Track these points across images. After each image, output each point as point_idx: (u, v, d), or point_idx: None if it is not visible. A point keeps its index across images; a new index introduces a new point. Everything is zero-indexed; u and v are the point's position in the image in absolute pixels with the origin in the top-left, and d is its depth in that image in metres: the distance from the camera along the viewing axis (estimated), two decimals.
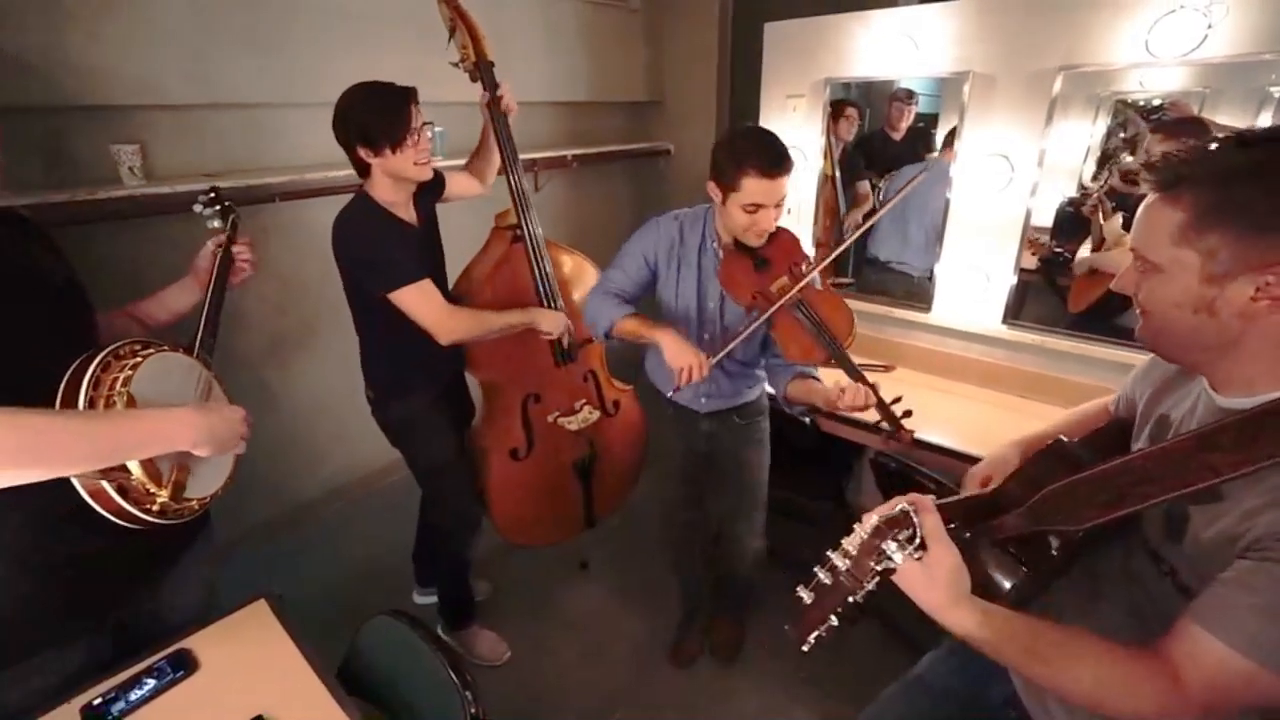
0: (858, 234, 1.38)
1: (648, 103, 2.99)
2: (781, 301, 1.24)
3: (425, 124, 1.41)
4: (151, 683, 0.96)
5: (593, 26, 2.61)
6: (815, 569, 0.74)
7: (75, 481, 0.85)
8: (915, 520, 0.70)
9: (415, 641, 1.03)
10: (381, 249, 1.43)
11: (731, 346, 1.27)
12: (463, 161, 1.79)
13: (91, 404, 0.86)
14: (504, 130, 1.64)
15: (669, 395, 1.52)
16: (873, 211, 2.25)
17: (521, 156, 1.69)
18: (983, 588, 0.74)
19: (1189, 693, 0.61)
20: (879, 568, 0.69)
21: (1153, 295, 0.69)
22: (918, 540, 0.69)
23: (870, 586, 0.69)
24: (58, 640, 0.95)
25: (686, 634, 1.96)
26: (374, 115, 1.34)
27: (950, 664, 1.04)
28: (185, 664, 1.00)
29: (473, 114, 1.70)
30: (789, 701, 1.78)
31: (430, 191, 1.58)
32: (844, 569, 0.70)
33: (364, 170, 1.43)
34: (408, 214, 1.51)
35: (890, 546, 0.68)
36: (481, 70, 1.62)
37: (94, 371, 0.88)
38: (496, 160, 1.72)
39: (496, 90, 1.61)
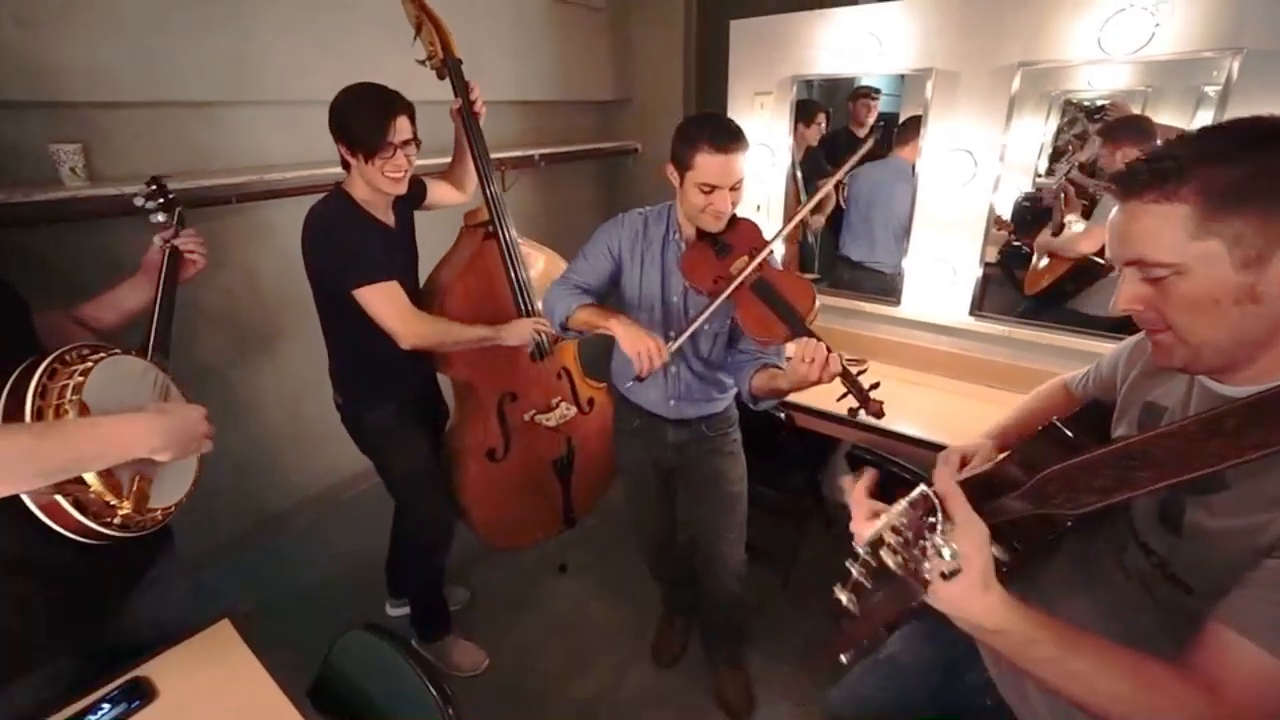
0: (804, 210, 1.37)
1: (615, 101, 2.97)
2: (740, 278, 1.24)
3: (409, 141, 1.38)
4: (103, 712, 0.90)
5: (558, 25, 2.58)
6: (849, 565, 0.65)
7: (25, 498, 0.80)
8: (935, 500, 0.62)
9: (392, 656, 0.99)
10: (352, 244, 1.40)
11: (693, 328, 1.26)
12: (439, 161, 1.74)
13: (39, 414, 0.80)
14: (477, 137, 1.60)
15: (628, 386, 1.47)
16: (834, 198, 2.28)
17: (490, 156, 1.65)
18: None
19: (1230, 704, 0.58)
20: (931, 564, 0.59)
21: (1182, 300, 0.62)
22: (941, 521, 0.61)
23: (927, 593, 0.60)
24: (10, 673, 0.89)
25: (668, 632, 1.95)
26: (357, 119, 1.34)
27: (924, 645, 1.01)
28: (141, 692, 0.94)
29: (440, 112, 1.66)
30: (774, 695, 1.78)
31: (409, 198, 1.54)
32: (895, 565, 0.61)
33: (346, 165, 1.42)
34: (384, 215, 1.49)
35: (929, 533, 0.60)
36: (449, 68, 1.58)
37: (40, 379, 0.82)
38: (473, 164, 1.69)
39: (468, 91, 1.57)
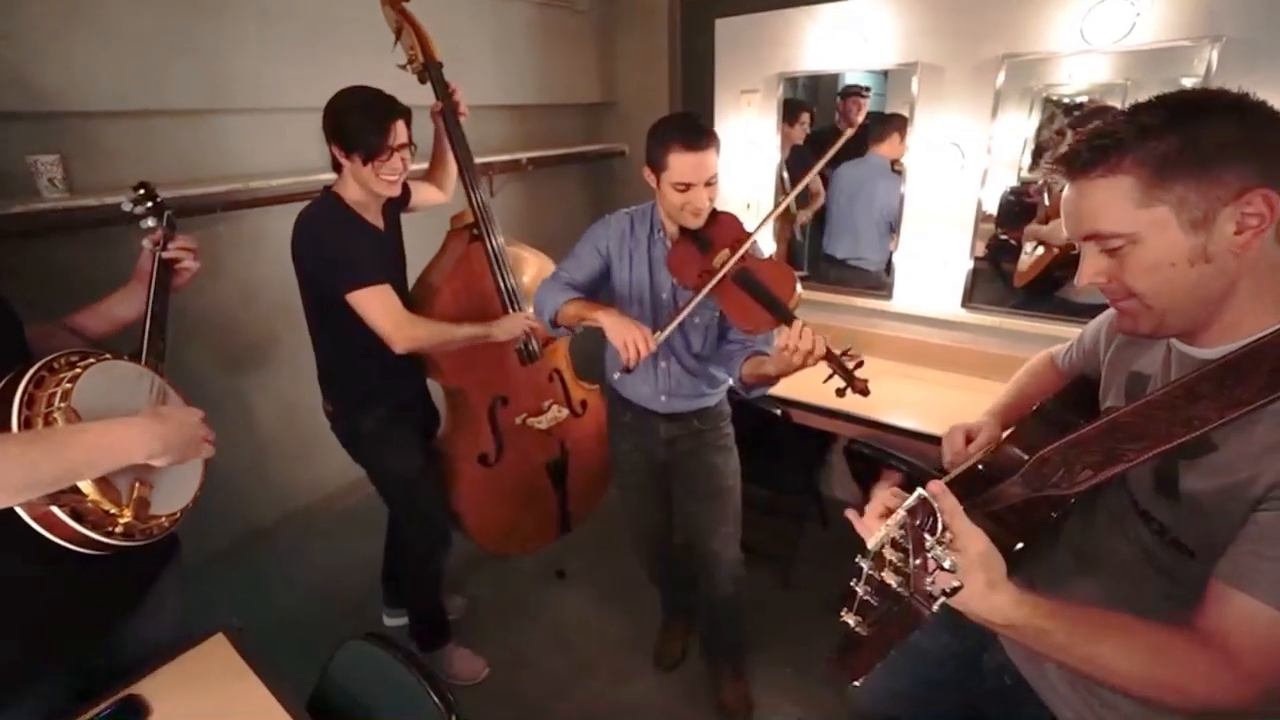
0: (790, 197, 1.39)
1: (601, 104, 2.97)
2: (724, 270, 1.24)
3: (404, 145, 1.39)
4: None
5: (541, 29, 2.58)
6: (854, 585, 0.63)
7: (20, 510, 0.77)
8: (935, 506, 0.61)
9: (394, 665, 0.97)
10: (344, 246, 1.39)
11: (678, 320, 1.26)
12: (424, 166, 1.73)
13: (28, 424, 0.78)
14: (459, 139, 1.59)
15: (616, 378, 1.46)
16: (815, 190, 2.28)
17: (475, 161, 1.64)
18: None
19: (1243, 665, 0.58)
20: (934, 579, 0.57)
21: (1140, 267, 0.65)
22: (940, 528, 0.61)
23: (938, 607, 0.58)
24: (8, 693, 0.87)
25: (668, 636, 1.93)
26: (356, 123, 1.34)
27: (942, 628, 1.01)
28: (135, 711, 0.92)
29: (421, 116, 1.64)
30: (777, 696, 1.77)
31: (397, 200, 1.54)
32: (897, 584, 0.59)
33: (337, 167, 1.42)
34: (375, 218, 1.48)
35: (929, 541, 0.59)
36: (430, 72, 1.57)
37: (26, 388, 0.79)
38: (454, 167, 1.68)
39: (449, 94, 1.57)
